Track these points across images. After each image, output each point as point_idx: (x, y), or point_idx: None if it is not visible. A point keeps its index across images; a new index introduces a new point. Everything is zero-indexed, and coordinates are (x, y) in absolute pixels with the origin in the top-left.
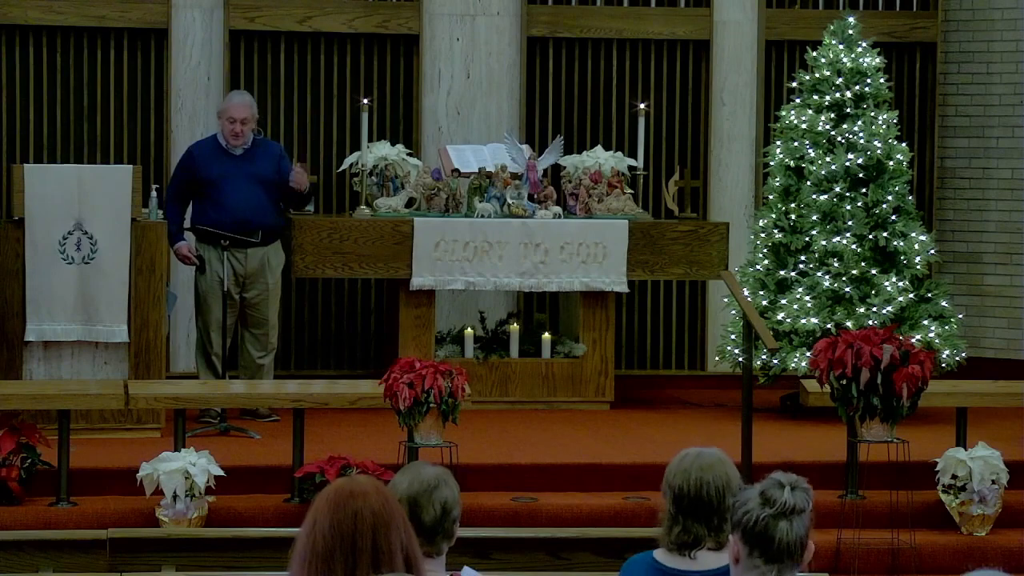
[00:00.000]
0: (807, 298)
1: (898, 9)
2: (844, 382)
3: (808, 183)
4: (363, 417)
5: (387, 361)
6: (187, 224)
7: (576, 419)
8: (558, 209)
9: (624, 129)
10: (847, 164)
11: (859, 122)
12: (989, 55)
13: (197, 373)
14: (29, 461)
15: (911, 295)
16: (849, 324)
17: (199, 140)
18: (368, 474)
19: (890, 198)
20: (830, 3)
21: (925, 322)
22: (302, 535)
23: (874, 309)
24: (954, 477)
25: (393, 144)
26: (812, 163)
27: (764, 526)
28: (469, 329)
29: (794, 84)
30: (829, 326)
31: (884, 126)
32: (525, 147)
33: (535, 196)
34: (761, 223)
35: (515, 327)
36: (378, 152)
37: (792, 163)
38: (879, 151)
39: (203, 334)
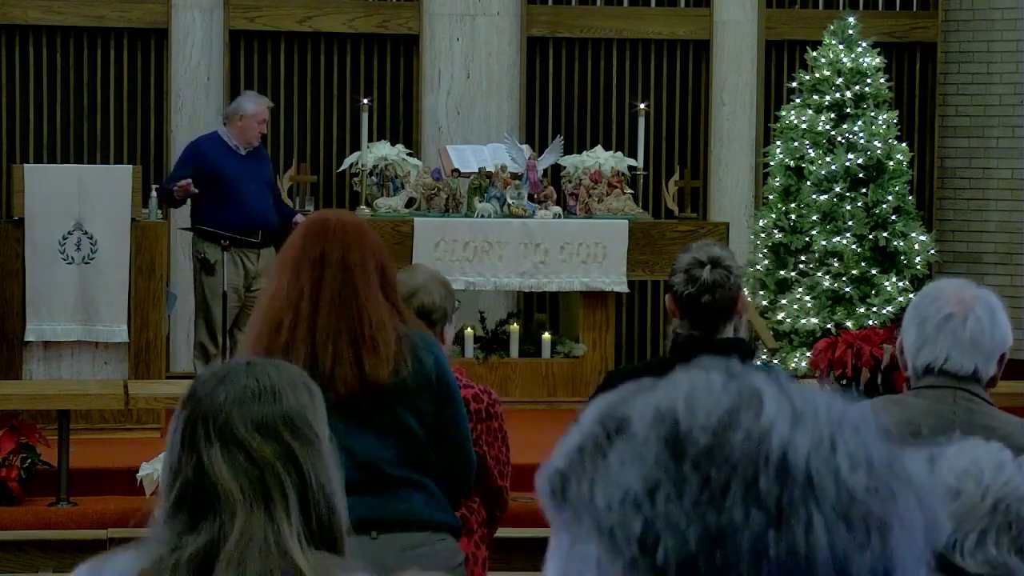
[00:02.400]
0: (807, 298)
1: (898, 9)
2: (844, 382)
3: (808, 183)
4: None
5: None
6: (184, 224)
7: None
8: (558, 209)
9: (624, 129)
10: (847, 164)
11: (859, 122)
12: (989, 55)
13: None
14: (29, 461)
15: (911, 295)
16: (849, 324)
17: (202, 136)
18: None
19: (890, 198)
20: (830, 3)
21: None
22: (279, 255)
23: (874, 309)
24: None
25: (393, 144)
26: (812, 163)
27: (689, 299)
28: (469, 329)
29: (794, 84)
30: (829, 326)
31: (884, 126)
32: (525, 147)
33: (535, 196)
34: (761, 223)
35: (515, 327)
36: (378, 152)
37: (792, 163)
38: (879, 151)
39: (208, 336)
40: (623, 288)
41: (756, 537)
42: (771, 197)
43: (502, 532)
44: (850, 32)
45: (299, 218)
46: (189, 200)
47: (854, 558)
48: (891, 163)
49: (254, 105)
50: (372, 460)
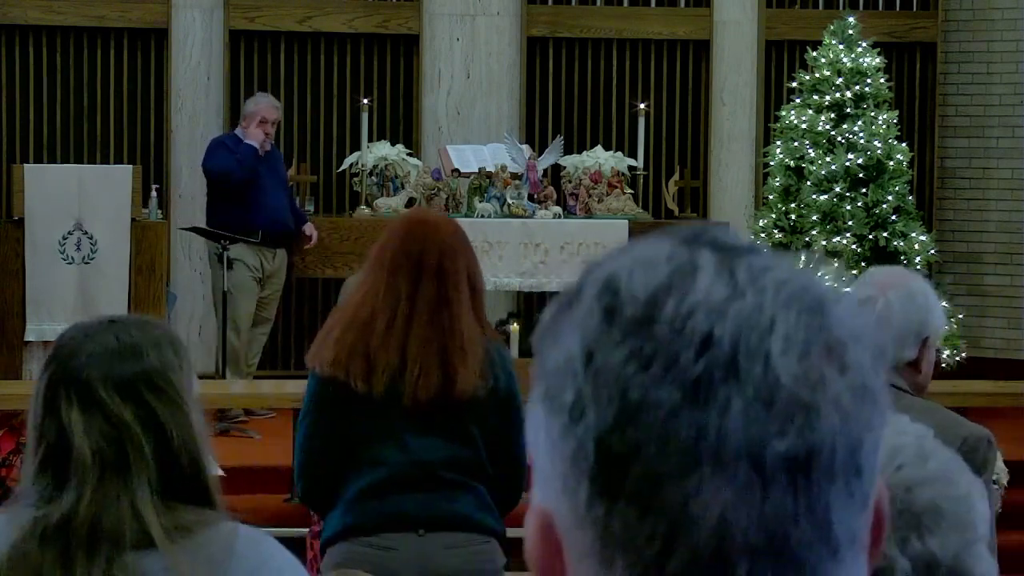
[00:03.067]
0: None
1: (898, 9)
2: None
3: (808, 183)
4: None
5: None
6: (184, 224)
7: None
8: (558, 209)
9: (624, 129)
10: (847, 164)
11: (859, 122)
12: (989, 55)
13: (222, 375)
14: None
15: None
16: None
17: (220, 136)
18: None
19: (890, 198)
20: (830, 3)
21: None
22: (373, 252)
23: None
24: None
25: (393, 144)
26: (812, 163)
27: None
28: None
29: (794, 84)
30: None
31: (884, 126)
32: (525, 147)
33: (535, 196)
34: (761, 223)
35: (515, 327)
36: (378, 152)
37: (792, 163)
38: (879, 151)
39: (232, 333)
40: None
41: (668, 417)
42: (771, 197)
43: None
44: (850, 32)
45: (308, 228)
46: (207, 199)
47: (770, 443)
48: (891, 163)
49: (253, 104)
50: (427, 460)
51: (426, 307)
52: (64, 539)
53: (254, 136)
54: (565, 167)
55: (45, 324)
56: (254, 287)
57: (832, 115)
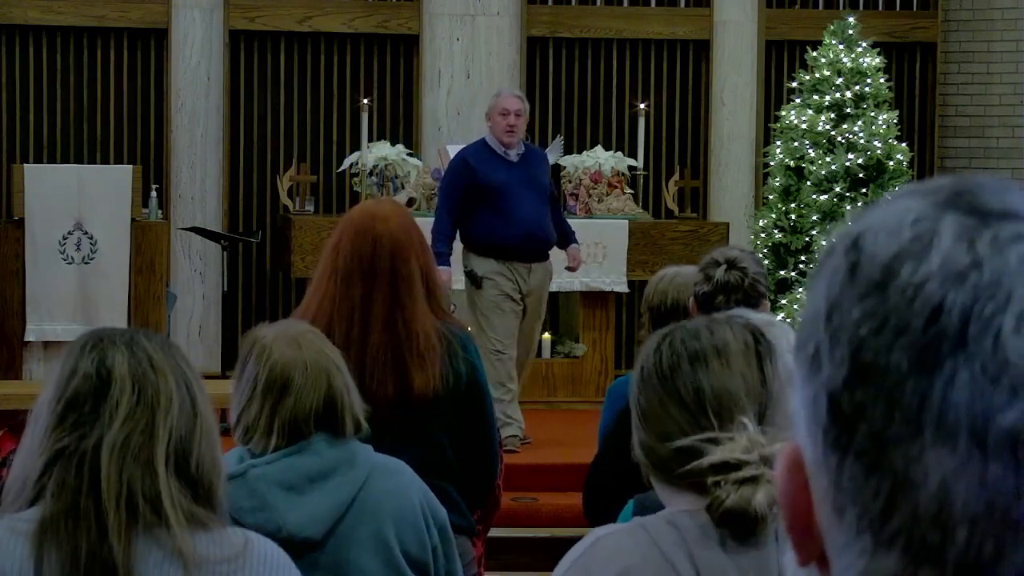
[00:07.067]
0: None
1: (898, 9)
2: None
3: (808, 183)
4: None
5: None
6: (183, 224)
7: (576, 419)
8: None
9: (624, 129)
10: (847, 164)
11: (859, 122)
12: (989, 55)
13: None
14: None
15: None
16: None
17: (467, 147)
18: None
19: None
20: (830, 3)
21: None
22: (327, 252)
23: None
24: None
25: (393, 144)
26: (812, 163)
27: (704, 299)
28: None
29: (794, 84)
30: None
31: (884, 126)
32: None
33: None
34: (761, 223)
35: None
36: (378, 152)
37: (792, 163)
38: (879, 151)
39: (490, 355)
40: (623, 288)
41: (894, 383)
42: (771, 197)
43: (503, 532)
44: (850, 32)
45: (573, 252)
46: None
47: (994, 418)
48: (891, 163)
49: (494, 99)
50: None
51: (381, 313)
52: (96, 465)
53: (495, 136)
54: (565, 167)
55: (45, 324)
56: (509, 305)
57: (832, 115)
